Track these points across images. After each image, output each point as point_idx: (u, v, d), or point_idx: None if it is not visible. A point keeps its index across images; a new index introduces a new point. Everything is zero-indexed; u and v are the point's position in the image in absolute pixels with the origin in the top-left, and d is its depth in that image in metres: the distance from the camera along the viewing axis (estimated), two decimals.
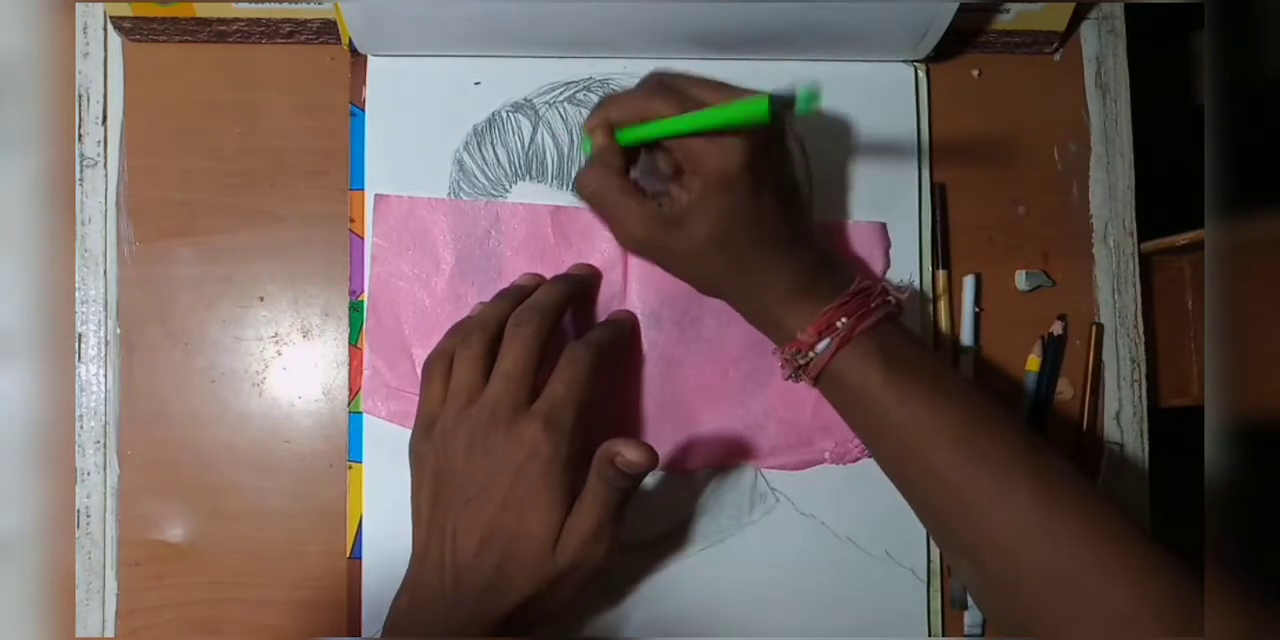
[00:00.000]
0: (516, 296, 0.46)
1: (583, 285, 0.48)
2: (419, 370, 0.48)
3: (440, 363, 0.45)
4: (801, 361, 0.43)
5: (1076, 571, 0.38)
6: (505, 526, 0.41)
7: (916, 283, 0.51)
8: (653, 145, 0.43)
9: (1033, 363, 0.51)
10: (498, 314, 0.45)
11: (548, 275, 0.49)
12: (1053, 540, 0.39)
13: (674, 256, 0.43)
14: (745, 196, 0.41)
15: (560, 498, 0.42)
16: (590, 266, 0.49)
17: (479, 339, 0.44)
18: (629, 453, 0.41)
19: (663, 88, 0.42)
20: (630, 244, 0.43)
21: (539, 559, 0.41)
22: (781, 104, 0.37)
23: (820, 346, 0.42)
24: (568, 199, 0.49)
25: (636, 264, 0.49)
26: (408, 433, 0.45)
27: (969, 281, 0.51)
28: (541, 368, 0.44)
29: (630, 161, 0.43)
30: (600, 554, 0.43)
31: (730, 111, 0.39)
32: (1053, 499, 0.39)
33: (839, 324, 0.42)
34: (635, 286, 0.49)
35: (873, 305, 0.43)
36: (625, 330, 0.49)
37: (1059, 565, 0.39)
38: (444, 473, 0.43)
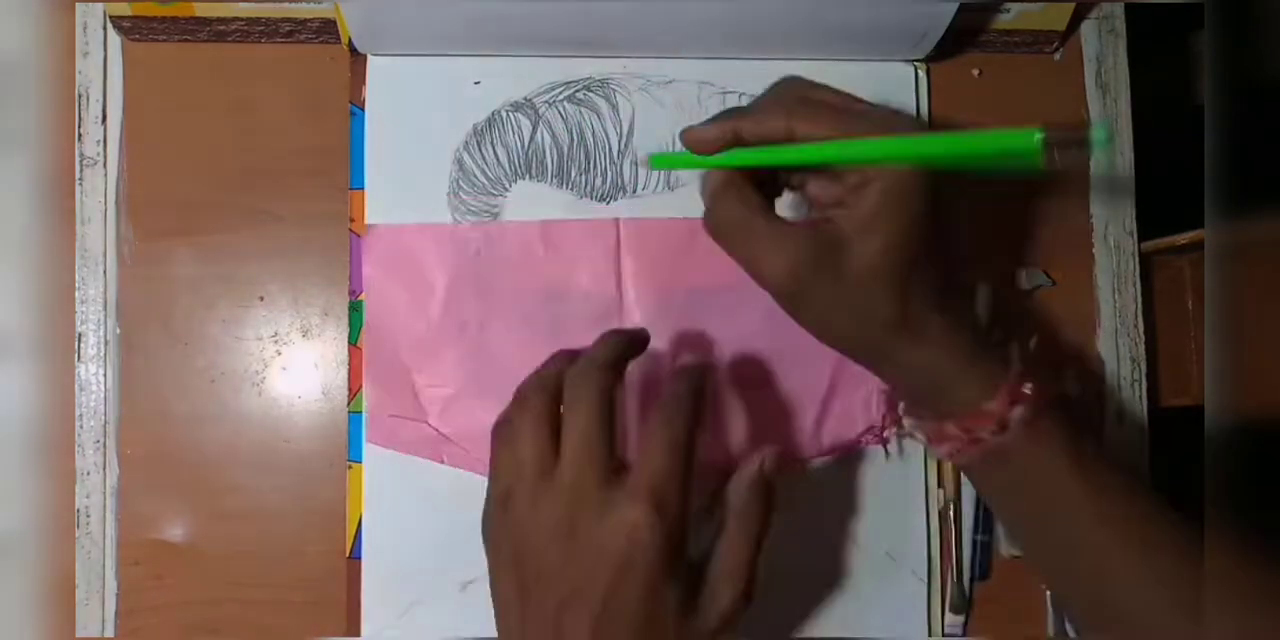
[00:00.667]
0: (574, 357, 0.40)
1: (639, 339, 0.41)
2: (420, 398, 0.48)
3: (505, 430, 0.38)
4: (986, 436, 0.38)
5: None
6: (614, 635, 0.35)
7: None
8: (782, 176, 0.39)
9: None
10: (558, 371, 0.38)
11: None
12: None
13: (828, 293, 0.37)
14: (924, 212, 0.36)
15: (677, 599, 0.35)
16: (642, 329, 0.42)
17: (539, 399, 0.38)
18: (770, 456, 0.38)
19: (806, 104, 0.37)
20: (780, 280, 0.37)
21: None
22: (1063, 142, 0.29)
23: (1014, 416, 0.37)
24: (567, 198, 0.49)
25: (631, 275, 0.49)
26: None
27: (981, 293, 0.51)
28: (615, 434, 0.37)
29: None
30: (745, 602, 0.37)
31: (986, 140, 0.31)
32: (1221, 602, 0.35)
33: (1026, 391, 0.37)
34: (632, 299, 0.49)
35: (1043, 378, 0.38)
36: (705, 381, 0.40)
37: None
38: (527, 562, 0.36)
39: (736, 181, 0.38)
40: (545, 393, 0.38)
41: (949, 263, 0.39)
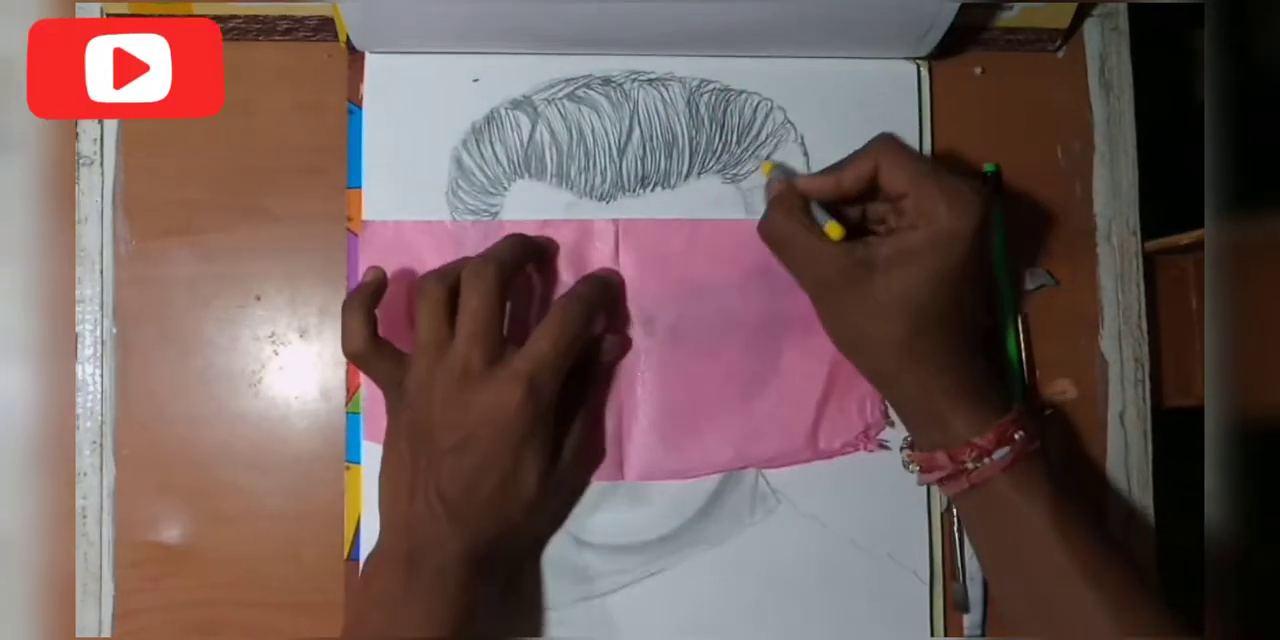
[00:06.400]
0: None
1: (538, 245, 0.48)
2: None
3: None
4: (970, 467, 0.42)
5: None
6: (491, 479, 0.42)
7: None
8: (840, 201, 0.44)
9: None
10: (457, 267, 0.44)
11: None
12: None
13: (853, 307, 0.42)
14: (957, 265, 0.40)
15: (546, 453, 0.43)
16: (546, 237, 0.49)
17: (437, 290, 0.43)
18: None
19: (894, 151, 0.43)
20: (818, 287, 0.43)
21: (533, 499, 0.43)
22: None
23: (997, 455, 0.41)
24: (567, 197, 0.49)
25: (630, 276, 0.49)
26: None
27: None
28: (503, 318, 0.43)
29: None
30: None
31: None
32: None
33: (1016, 437, 0.42)
34: (630, 299, 0.49)
35: (1038, 427, 0.43)
36: (613, 287, 0.48)
37: None
38: (420, 424, 0.43)
39: (788, 197, 0.43)
40: (443, 285, 0.43)
41: (975, 307, 0.42)
